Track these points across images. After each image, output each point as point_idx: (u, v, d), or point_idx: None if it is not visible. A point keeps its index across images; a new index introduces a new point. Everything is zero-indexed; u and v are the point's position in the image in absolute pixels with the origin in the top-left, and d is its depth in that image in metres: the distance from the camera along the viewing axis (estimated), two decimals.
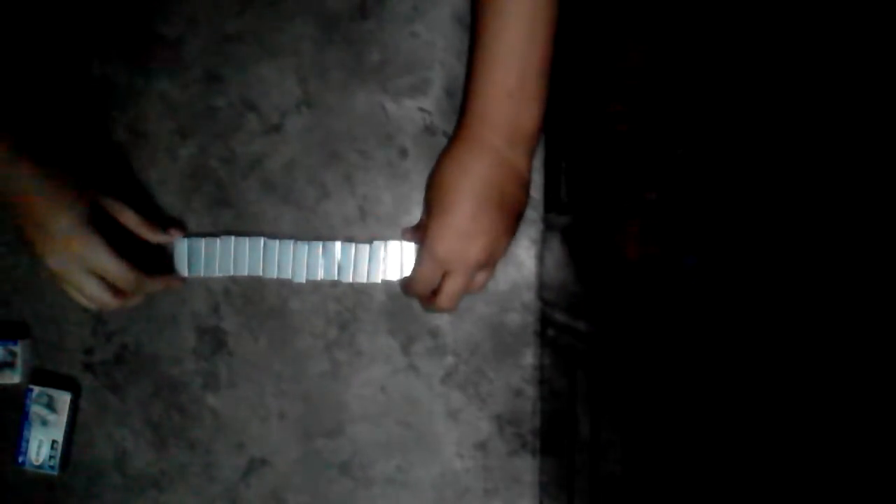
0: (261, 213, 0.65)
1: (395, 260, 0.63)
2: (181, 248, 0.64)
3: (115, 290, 0.59)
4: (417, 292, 0.59)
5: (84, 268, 0.58)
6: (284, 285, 0.65)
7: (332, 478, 0.65)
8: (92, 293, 0.59)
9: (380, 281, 0.64)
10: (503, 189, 0.54)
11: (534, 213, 0.64)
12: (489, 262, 0.57)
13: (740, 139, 0.43)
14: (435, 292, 0.58)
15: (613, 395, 0.51)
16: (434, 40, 0.64)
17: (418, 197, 0.64)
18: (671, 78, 0.49)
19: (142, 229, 0.62)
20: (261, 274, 0.64)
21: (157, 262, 0.64)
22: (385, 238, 0.64)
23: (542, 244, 0.64)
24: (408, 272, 0.63)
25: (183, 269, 0.64)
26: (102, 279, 0.58)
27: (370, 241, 0.64)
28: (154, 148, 0.65)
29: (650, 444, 0.46)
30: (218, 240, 0.64)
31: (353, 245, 0.63)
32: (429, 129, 0.64)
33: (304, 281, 0.64)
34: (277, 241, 0.64)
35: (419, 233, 0.61)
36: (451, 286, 0.57)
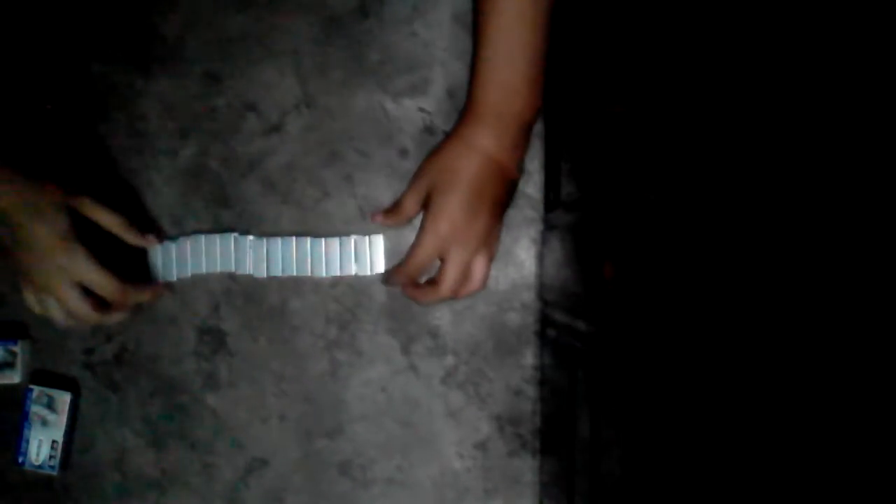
0: (261, 213, 0.65)
1: (370, 254, 0.64)
2: (154, 253, 0.64)
3: (97, 304, 0.58)
4: (411, 274, 0.59)
5: (67, 280, 0.56)
6: (285, 285, 0.65)
7: (332, 478, 0.65)
8: (74, 306, 0.57)
9: (353, 274, 0.64)
10: (503, 173, 0.57)
11: (534, 213, 0.64)
12: (488, 246, 0.58)
13: (742, 138, 0.43)
14: (430, 282, 0.58)
15: (613, 395, 0.51)
16: (434, 40, 0.64)
17: None
18: (671, 78, 0.49)
19: (121, 231, 0.60)
20: (233, 270, 0.64)
21: (134, 272, 0.63)
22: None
23: (542, 244, 0.64)
24: (378, 267, 0.63)
25: (169, 274, 0.64)
26: (85, 292, 0.57)
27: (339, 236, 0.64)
28: (154, 148, 0.65)
29: (650, 443, 0.46)
30: (188, 240, 0.64)
31: (323, 240, 0.63)
32: (429, 129, 0.64)
33: (273, 275, 0.64)
34: (248, 238, 0.64)
35: (396, 216, 0.61)
36: (453, 266, 0.56)
